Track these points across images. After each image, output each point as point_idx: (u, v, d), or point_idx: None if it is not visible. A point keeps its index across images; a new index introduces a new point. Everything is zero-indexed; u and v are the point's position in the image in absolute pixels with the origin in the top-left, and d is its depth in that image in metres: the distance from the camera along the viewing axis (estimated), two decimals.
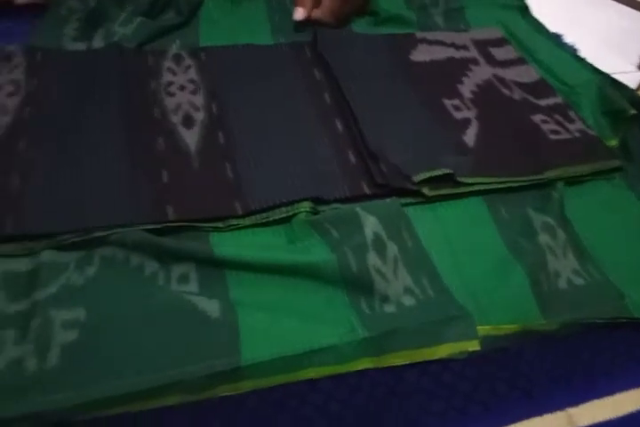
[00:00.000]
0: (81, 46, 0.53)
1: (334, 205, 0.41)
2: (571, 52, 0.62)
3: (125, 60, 0.49)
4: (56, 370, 0.29)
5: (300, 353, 0.31)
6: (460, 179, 0.43)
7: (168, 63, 0.51)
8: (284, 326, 0.33)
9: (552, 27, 0.65)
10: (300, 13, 0.57)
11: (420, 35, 0.59)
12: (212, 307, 0.33)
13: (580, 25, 0.72)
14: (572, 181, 0.46)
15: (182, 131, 0.45)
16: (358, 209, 0.39)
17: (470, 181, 0.43)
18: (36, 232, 0.35)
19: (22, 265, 0.35)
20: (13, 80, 0.46)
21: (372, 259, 0.36)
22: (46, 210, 0.37)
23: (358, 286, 0.36)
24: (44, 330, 0.30)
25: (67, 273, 0.34)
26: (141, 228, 0.37)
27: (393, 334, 0.33)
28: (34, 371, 0.29)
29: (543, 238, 0.41)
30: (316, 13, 0.58)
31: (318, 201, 0.41)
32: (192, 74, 0.50)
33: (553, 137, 0.49)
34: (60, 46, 0.52)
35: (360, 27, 0.61)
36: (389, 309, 0.35)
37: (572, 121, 0.51)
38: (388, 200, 0.41)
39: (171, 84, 0.49)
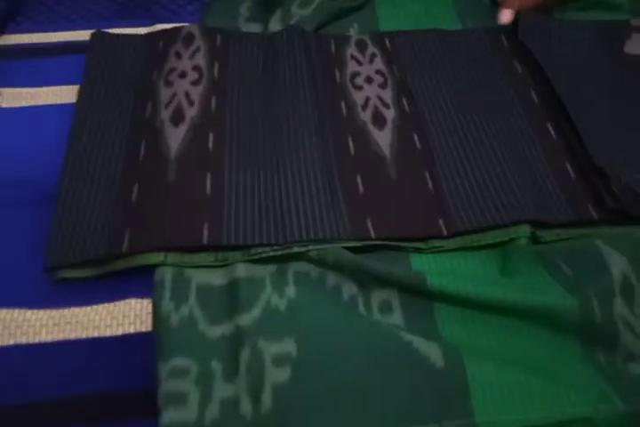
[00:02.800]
0: (256, 28, 0.49)
1: (557, 231, 0.35)
2: None
3: (309, 48, 0.45)
4: (271, 416, 0.26)
5: (546, 424, 0.26)
6: None
7: (351, 50, 0.46)
8: (519, 384, 0.28)
9: None
10: (506, 16, 0.49)
11: (634, 22, 0.51)
12: (434, 353, 0.28)
13: None
14: None
15: (374, 131, 0.40)
16: (600, 243, 0.32)
17: None
18: (233, 244, 0.32)
19: (216, 278, 0.32)
20: (196, 66, 0.43)
21: (620, 307, 0.30)
22: (243, 220, 0.33)
23: (597, 338, 0.30)
24: (256, 366, 0.27)
25: (265, 293, 0.31)
26: (341, 245, 0.33)
27: None
28: (251, 417, 0.26)
29: None
30: (518, 5, 0.50)
31: (537, 225, 0.35)
32: (378, 64, 0.45)
33: None
34: (235, 27, 0.49)
35: (562, 14, 0.52)
36: (636, 369, 0.29)
37: None
38: (631, 232, 0.34)
39: (356, 75, 0.44)
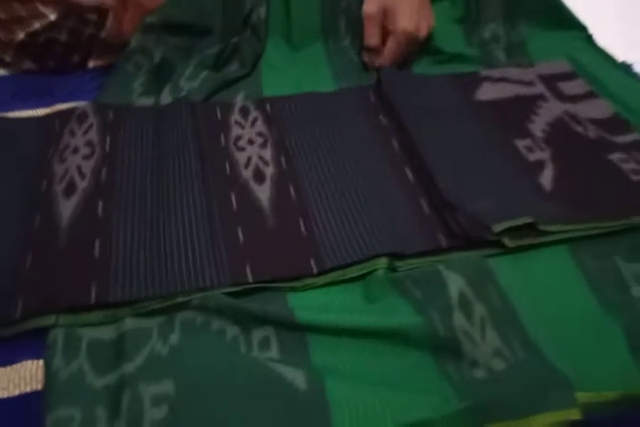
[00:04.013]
0: (148, 101, 0.54)
1: (410, 261, 0.40)
2: None
3: (196, 116, 0.50)
4: None
5: None
6: (542, 227, 0.41)
7: (235, 116, 0.52)
8: (373, 398, 0.31)
9: (614, 50, 0.63)
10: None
11: (484, 72, 0.58)
12: (298, 378, 0.32)
13: None
14: None
15: (254, 186, 0.45)
16: (441, 267, 0.37)
17: (553, 229, 0.41)
18: (120, 300, 0.36)
19: (106, 333, 0.35)
20: (88, 141, 0.47)
21: (459, 321, 0.35)
22: (129, 277, 0.37)
23: (445, 349, 0.34)
24: (135, 407, 0.30)
25: (150, 342, 0.34)
26: (221, 291, 0.37)
27: (490, 405, 0.31)
28: None
29: (636, 291, 0.38)
30: (379, 61, 0.58)
31: (394, 256, 0.40)
32: (259, 127, 0.51)
33: (635, 177, 0.46)
34: (129, 102, 0.54)
35: (421, 67, 0.60)
36: (479, 374, 0.34)
37: None
38: (470, 255, 0.39)
39: (239, 137, 0.49)
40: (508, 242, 0.40)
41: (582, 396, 0.33)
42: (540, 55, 0.62)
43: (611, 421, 0.33)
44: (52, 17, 0.52)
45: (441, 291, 0.36)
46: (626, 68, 0.61)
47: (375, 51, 0.58)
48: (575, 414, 0.32)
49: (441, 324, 0.34)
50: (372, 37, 0.58)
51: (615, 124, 0.53)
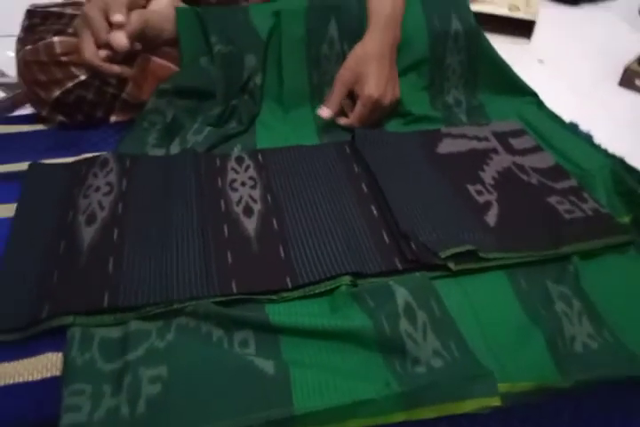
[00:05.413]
0: (160, 152, 0.64)
1: (371, 279, 0.48)
2: (586, 138, 0.69)
3: (198, 163, 0.60)
4: (144, 416, 0.36)
5: (343, 405, 0.37)
6: (482, 255, 0.49)
7: (232, 164, 0.61)
8: (329, 383, 0.39)
9: (568, 113, 0.73)
10: (324, 112, 0.66)
11: (445, 130, 0.68)
12: (268, 366, 0.39)
13: (597, 110, 0.80)
14: (588, 254, 0.51)
15: (244, 219, 0.54)
16: (391, 282, 0.45)
17: (492, 256, 0.49)
18: (127, 305, 0.44)
19: (114, 333, 0.43)
20: (108, 182, 0.57)
21: (404, 325, 0.42)
22: (135, 288, 0.45)
23: (392, 348, 0.42)
24: (134, 385, 0.38)
25: (150, 339, 0.42)
26: (211, 300, 0.45)
27: (423, 390, 0.39)
28: (127, 417, 0.36)
29: (559, 307, 0.46)
30: (347, 121, 0.68)
31: (357, 275, 0.48)
32: (251, 172, 0.60)
33: (567, 216, 0.55)
34: (144, 152, 0.64)
35: (392, 127, 0.70)
36: (420, 369, 0.41)
37: (585, 201, 0.57)
38: (417, 274, 0.47)
39: (234, 181, 0.59)
40: (452, 266, 0.48)
41: (503, 386, 0.40)
42: (497, 116, 0.73)
43: (527, 407, 0.40)
44: (83, 77, 0.64)
45: (389, 301, 0.44)
46: (572, 127, 0.71)
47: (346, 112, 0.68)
48: (496, 401, 0.39)
49: (388, 327, 0.42)
50: (334, 101, 0.66)
51: (556, 172, 0.62)
